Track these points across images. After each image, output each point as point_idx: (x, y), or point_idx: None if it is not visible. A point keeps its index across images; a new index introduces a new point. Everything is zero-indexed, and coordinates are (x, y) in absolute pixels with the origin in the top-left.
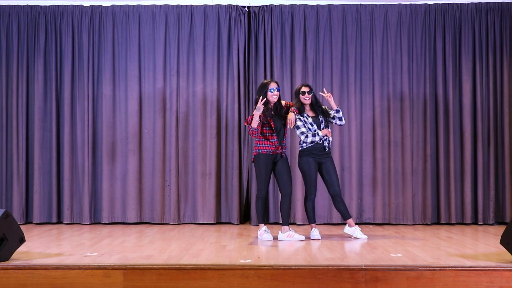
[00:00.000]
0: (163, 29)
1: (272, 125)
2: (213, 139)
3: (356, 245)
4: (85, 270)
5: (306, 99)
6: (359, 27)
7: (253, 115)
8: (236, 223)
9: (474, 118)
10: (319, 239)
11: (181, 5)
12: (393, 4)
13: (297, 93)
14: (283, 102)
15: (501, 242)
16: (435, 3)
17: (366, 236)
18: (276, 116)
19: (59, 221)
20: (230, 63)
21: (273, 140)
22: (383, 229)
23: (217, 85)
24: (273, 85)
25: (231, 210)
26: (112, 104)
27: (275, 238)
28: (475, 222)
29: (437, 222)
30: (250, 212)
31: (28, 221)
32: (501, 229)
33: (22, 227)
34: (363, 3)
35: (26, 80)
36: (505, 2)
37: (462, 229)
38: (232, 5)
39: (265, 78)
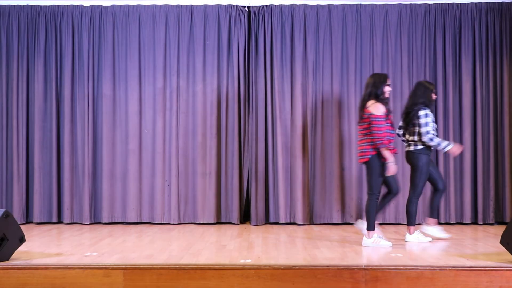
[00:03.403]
0: (163, 29)
1: (390, 122)
2: (213, 139)
3: (356, 245)
4: (85, 270)
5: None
6: (359, 27)
7: (387, 148)
8: (236, 223)
9: (474, 118)
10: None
11: (181, 5)
12: (393, 4)
13: (427, 87)
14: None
15: (501, 242)
16: (435, 3)
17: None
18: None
19: (59, 221)
20: (230, 63)
21: (391, 144)
22: (383, 229)
23: (217, 85)
24: (389, 81)
25: (231, 210)
26: (112, 104)
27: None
28: (475, 222)
29: (437, 222)
30: (250, 212)
31: (28, 221)
32: (501, 229)
33: (22, 227)
34: (363, 3)
35: (26, 80)
36: (505, 2)
37: (462, 229)
38: (232, 5)
39: (265, 78)
